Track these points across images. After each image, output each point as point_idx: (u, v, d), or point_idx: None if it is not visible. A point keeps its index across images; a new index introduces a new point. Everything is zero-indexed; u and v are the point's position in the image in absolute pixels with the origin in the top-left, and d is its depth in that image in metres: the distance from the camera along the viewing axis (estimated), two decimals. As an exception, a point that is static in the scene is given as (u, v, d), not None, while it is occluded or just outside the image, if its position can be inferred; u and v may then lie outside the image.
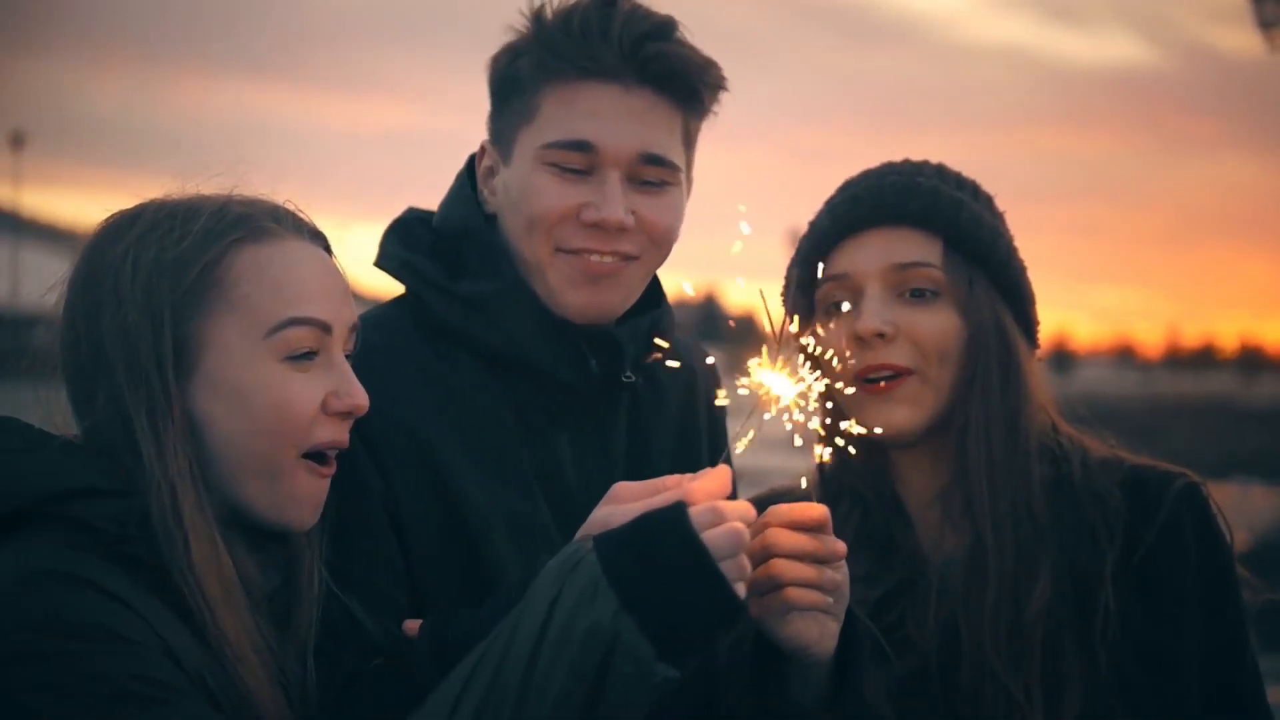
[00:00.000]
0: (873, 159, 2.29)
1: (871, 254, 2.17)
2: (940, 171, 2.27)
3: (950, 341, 2.15)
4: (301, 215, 1.83)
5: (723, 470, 1.69)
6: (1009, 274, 2.21)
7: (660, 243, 2.11)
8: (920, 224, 2.17)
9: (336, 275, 1.83)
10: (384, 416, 1.96)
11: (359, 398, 1.78)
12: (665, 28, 2.07)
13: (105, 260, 1.71)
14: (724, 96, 2.13)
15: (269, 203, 1.81)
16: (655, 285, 2.25)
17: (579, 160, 2.04)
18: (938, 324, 2.15)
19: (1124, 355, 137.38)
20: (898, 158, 2.31)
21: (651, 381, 2.22)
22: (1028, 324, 2.25)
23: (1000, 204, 2.31)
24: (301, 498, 1.76)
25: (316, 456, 1.77)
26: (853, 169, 2.30)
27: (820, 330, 2.18)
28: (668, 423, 2.24)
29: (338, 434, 1.78)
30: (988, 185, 2.28)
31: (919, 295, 2.16)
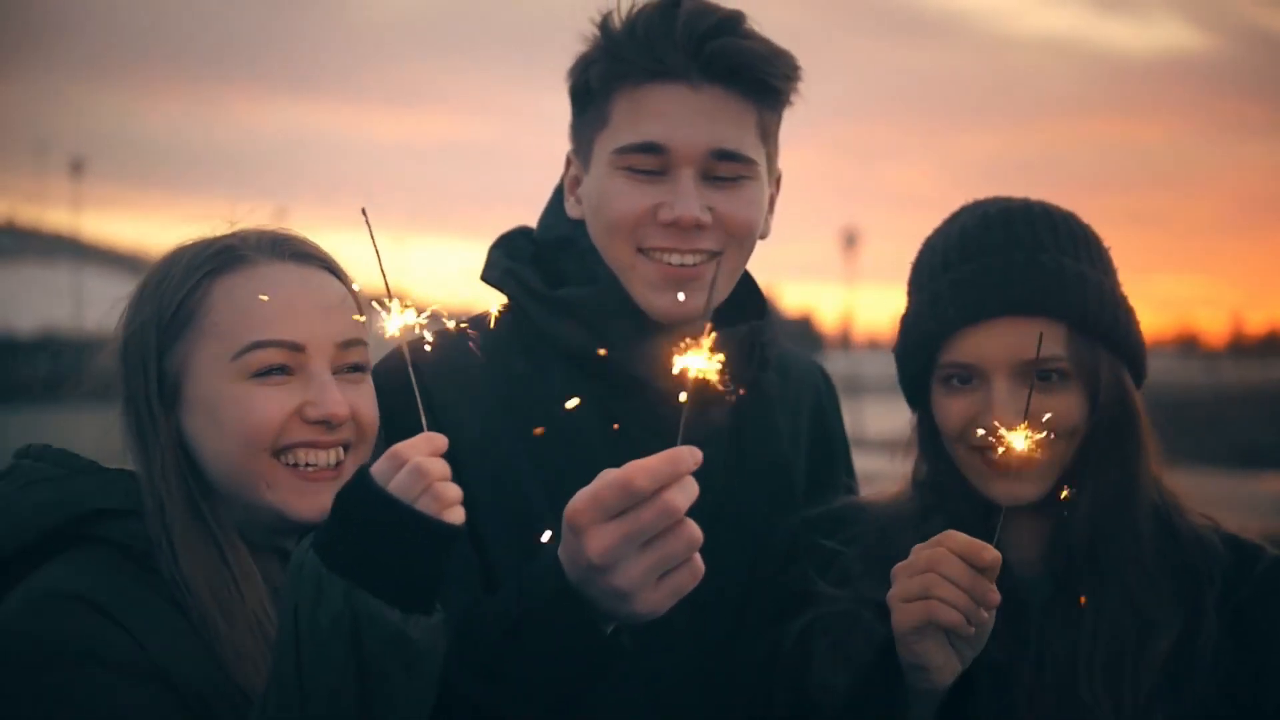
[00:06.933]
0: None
1: (998, 345, 2.08)
2: (1057, 235, 2.13)
3: (1075, 420, 2.09)
4: (290, 239, 1.90)
5: (431, 435, 1.59)
6: (1129, 340, 2.14)
7: (741, 238, 2.12)
8: (1049, 313, 2.07)
9: (318, 293, 1.87)
10: (463, 426, 1.99)
11: (332, 407, 1.82)
12: (730, 23, 2.08)
13: (128, 302, 1.89)
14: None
15: (256, 232, 1.90)
16: (758, 295, 2.27)
17: (650, 162, 2.07)
18: (1064, 408, 2.08)
19: (1187, 345, 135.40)
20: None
21: (759, 398, 2.21)
22: (1139, 372, 2.19)
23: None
24: (289, 491, 1.81)
25: (297, 464, 1.83)
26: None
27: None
28: (773, 440, 2.23)
29: (316, 436, 1.83)
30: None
31: (1045, 378, 2.08)
